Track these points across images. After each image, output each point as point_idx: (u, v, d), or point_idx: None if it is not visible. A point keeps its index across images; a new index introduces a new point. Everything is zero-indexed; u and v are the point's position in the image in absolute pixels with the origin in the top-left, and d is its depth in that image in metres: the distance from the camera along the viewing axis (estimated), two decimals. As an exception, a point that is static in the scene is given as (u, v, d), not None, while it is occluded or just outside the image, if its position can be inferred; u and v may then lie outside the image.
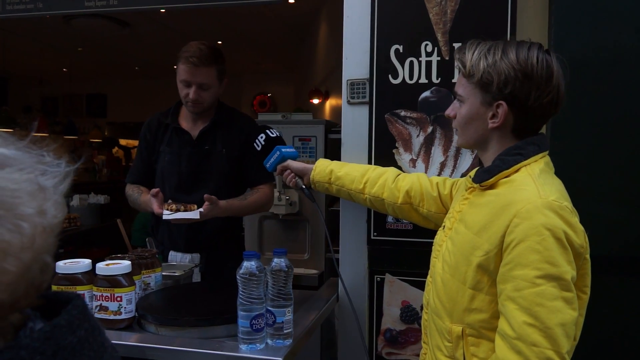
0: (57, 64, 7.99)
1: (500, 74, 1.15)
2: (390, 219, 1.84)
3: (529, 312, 1.04)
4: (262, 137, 1.83)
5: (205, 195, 1.91)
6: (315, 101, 5.12)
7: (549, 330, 1.02)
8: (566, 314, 1.04)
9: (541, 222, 1.05)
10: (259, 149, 1.84)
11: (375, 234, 1.87)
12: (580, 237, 1.09)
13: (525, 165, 1.17)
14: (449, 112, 1.30)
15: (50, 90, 9.44)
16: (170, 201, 1.97)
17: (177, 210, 1.89)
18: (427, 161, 1.81)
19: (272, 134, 1.84)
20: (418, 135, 1.82)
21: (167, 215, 1.89)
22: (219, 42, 6.42)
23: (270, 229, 3.04)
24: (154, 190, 1.97)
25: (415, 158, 1.82)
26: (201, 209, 1.92)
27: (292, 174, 1.80)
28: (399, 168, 1.82)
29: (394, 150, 1.84)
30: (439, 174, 1.80)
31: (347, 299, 1.67)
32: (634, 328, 1.69)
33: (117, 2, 2.56)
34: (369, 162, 1.86)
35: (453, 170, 1.79)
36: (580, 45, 1.69)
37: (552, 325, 1.02)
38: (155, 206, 1.93)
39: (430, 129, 1.81)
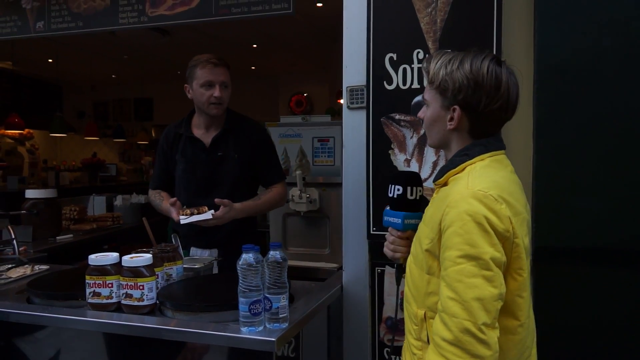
0: (106, 71, 8.44)
1: (455, 81, 1.28)
2: (387, 215, 1.98)
3: (451, 287, 1.16)
4: (420, 190, 1.48)
5: (217, 200, 2.11)
6: (342, 102, 5.24)
7: (466, 304, 1.14)
8: (484, 290, 1.14)
9: (464, 209, 1.18)
10: (393, 195, 1.47)
11: (374, 228, 2.02)
12: (504, 222, 1.18)
13: (470, 164, 1.29)
14: (420, 114, 1.43)
15: (101, 96, 9.97)
16: (184, 207, 2.21)
17: (192, 214, 2.14)
18: (420, 161, 1.95)
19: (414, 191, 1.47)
20: (412, 137, 1.95)
21: (183, 220, 2.14)
22: (254, 46, 6.67)
23: (293, 225, 3.21)
24: (172, 200, 2.22)
25: (410, 158, 1.96)
26: (212, 211, 2.14)
27: (405, 249, 1.48)
28: (394, 168, 1.96)
29: (389, 151, 1.99)
30: (432, 173, 1.93)
31: (350, 289, 1.81)
32: (617, 317, 1.77)
33: (147, 19, 2.81)
34: (367, 162, 2.01)
35: (445, 169, 1.92)
36: (563, 49, 1.78)
37: (469, 299, 1.14)
38: (174, 214, 2.19)
39: (422, 131, 1.94)
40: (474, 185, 1.21)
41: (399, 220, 1.42)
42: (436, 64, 1.33)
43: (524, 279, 1.24)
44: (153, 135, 10.10)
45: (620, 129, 1.73)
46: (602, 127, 1.75)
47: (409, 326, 1.39)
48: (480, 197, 1.18)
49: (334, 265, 3.11)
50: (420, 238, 1.34)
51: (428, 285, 1.30)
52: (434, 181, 1.37)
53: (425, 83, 1.40)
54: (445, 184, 1.34)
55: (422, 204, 1.44)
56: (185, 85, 2.37)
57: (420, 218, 1.41)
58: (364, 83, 2.02)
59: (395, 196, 1.44)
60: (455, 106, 1.30)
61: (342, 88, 2.13)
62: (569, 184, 1.77)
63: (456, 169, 1.30)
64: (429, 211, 1.35)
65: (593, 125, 1.75)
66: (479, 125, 1.31)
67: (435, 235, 1.25)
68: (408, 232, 1.44)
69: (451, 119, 1.32)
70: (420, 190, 1.45)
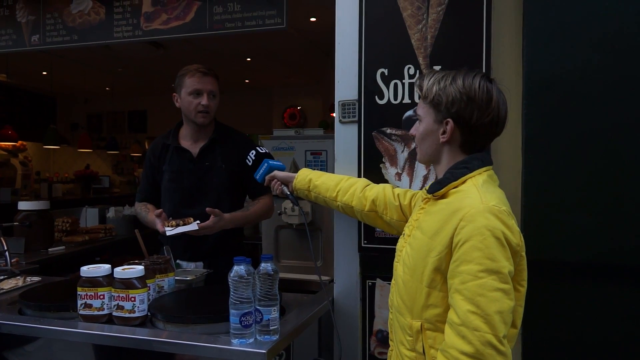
0: (100, 84, 8.46)
1: (448, 95, 1.34)
2: (378, 228, 2.00)
3: (472, 301, 1.19)
4: (252, 153, 2.07)
5: (208, 209, 2.11)
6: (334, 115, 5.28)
7: (488, 317, 1.17)
8: (504, 303, 1.19)
9: (483, 224, 1.21)
10: (250, 163, 2.08)
11: (365, 242, 2.04)
12: (516, 237, 1.25)
13: (470, 177, 1.34)
14: (412, 131, 1.48)
15: (95, 108, 9.98)
16: (170, 218, 2.18)
17: (177, 225, 2.13)
18: (411, 175, 1.97)
19: (262, 150, 2.08)
20: (403, 151, 1.98)
21: (169, 231, 2.12)
22: (248, 60, 6.71)
23: (285, 237, 3.22)
24: (157, 211, 2.19)
25: (401, 172, 1.99)
26: (198, 221, 2.13)
27: (279, 183, 2.02)
28: (385, 181, 1.99)
29: (381, 165, 2.01)
30: (422, 186, 1.95)
31: (341, 302, 1.82)
32: (604, 330, 1.79)
33: (141, 33, 2.84)
34: (359, 176, 2.04)
35: (435, 183, 1.94)
36: (551, 65, 1.82)
37: (491, 312, 1.17)
38: (159, 225, 2.17)
39: (413, 145, 1.96)
40: (488, 201, 1.25)
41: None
42: (429, 80, 1.39)
43: (524, 290, 1.31)
44: (146, 147, 10.11)
45: (607, 144, 1.76)
46: (590, 142, 1.78)
47: (401, 337, 1.41)
48: (496, 213, 1.23)
49: (326, 277, 3.12)
50: (420, 251, 1.35)
51: (428, 299, 1.32)
52: (431, 192, 1.39)
53: (417, 99, 1.45)
54: (442, 196, 1.36)
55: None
56: (174, 94, 2.39)
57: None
58: (356, 97, 2.05)
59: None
60: (449, 119, 1.35)
61: (333, 102, 2.16)
62: (558, 199, 1.80)
63: (457, 181, 1.34)
64: (426, 223, 1.37)
65: (581, 140, 1.78)
66: (471, 139, 1.36)
67: (445, 248, 1.27)
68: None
69: (444, 132, 1.37)
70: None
